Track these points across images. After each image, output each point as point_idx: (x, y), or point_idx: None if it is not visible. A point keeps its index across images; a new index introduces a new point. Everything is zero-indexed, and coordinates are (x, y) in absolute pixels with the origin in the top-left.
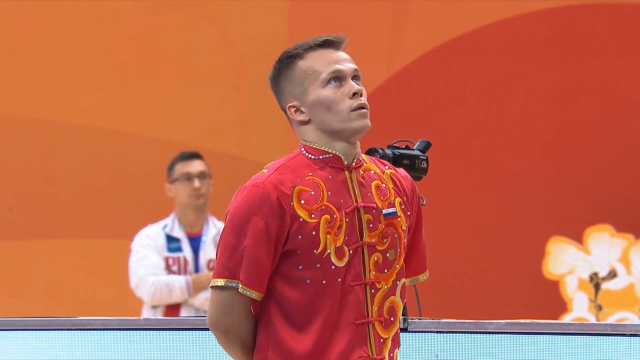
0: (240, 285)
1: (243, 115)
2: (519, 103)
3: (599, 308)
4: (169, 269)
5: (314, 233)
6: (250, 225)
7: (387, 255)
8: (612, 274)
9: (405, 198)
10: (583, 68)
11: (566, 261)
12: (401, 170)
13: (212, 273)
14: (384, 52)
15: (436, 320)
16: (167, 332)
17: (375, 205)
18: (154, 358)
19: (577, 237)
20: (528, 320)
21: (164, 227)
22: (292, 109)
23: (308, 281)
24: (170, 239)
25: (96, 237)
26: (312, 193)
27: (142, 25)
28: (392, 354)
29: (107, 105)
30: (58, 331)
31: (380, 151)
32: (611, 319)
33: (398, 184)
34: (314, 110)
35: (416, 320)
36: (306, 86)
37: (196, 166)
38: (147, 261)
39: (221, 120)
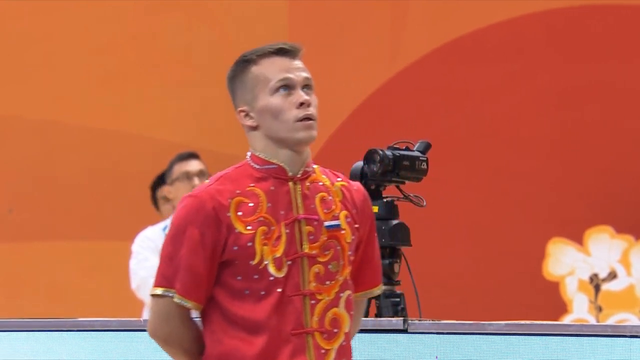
0: (176, 295)
1: None
2: (520, 104)
3: (599, 309)
4: None
5: (249, 244)
6: (186, 235)
7: (329, 267)
8: (612, 275)
9: (354, 211)
10: (585, 69)
11: (566, 262)
12: (355, 184)
13: None
14: (385, 52)
15: (436, 322)
16: None
17: (317, 217)
18: (154, 359)
19: (577, 238)
20: (528, 322)
21: (164, 229)
22: (242, 114)
23: (247, 292)
24: None
25: (96, 239)
26: (251, 205)
27: (142, 25)
28: None
29: (107, 106)
30: (58, 332)
31: (380, 152)
32: (611, 320)
33: (348, 196)
34: (262, 117)
35: (416, 322)
36: (256, 92)
37: (194, 165)
38: (148, 263)
39: (221, 121)
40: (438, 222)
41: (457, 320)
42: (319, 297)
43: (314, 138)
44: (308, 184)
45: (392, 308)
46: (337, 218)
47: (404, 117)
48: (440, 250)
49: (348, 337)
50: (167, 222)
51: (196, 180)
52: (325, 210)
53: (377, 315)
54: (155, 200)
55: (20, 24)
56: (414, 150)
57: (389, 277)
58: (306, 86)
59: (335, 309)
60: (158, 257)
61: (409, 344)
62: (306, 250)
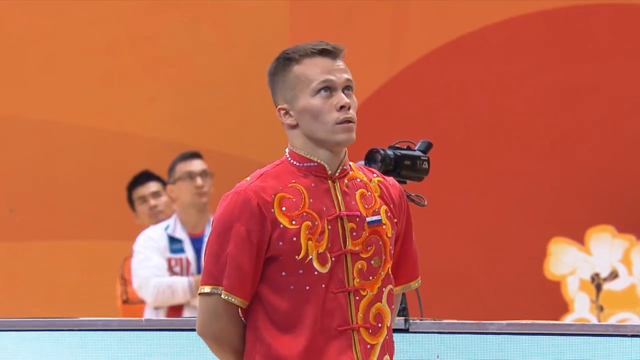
0: (223, 292)
1: (244, 116)
2: (520, 104)
3: (601, 309)
4: (171, 270)
5: (294, 239)
6: (232, 232)
7: (372, 262)
8: (614, 275)
9: (392, 206)
10: (585, 69)
11: (567, 262)
12: (390, 179)
13: None
14: (385, 52)
15: (438, 321)
16: (169, 332)
17: (359, 213)
18: (156, 359)
19: (579, 237)
20: (529, 321)
21: (166, 228)
22: (282, 111)
23: (292, 287)
24: (173, 240)
25: (97, 239)
26: (294, 200)
27: (143, 26)
28: None
29: (108, 106)
30: (59, 332)
31: (382, 152)
32: (612, 320)
33: (385, 191)
34: (302, 116)
35: (417, 321)
36: (297, 92)
37: (197, 165)
38: (149, 262)
39: (222, 121)
40: (439, 222)
41: (458, 319)
42: (362, 293)
43: (353, 140)
44: (347, 181)
45: None
46: (377, 213)
47: (405, 117)
48: (442, 249)
49: (390, 331)
50: (169, 222)
51: (199, 180)
52: (366, 206)
53: None
54: (131, 201)
55: (20, 24)
56: (415, 150)
57: None
58: (347, 87)
59: (378, 304)
60: (160, 256)
61: (410, 344)
62: (349, 247)
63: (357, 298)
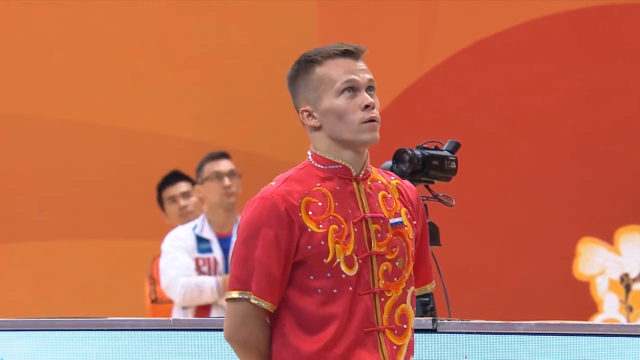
0: (252, 296)
1: (272, 116)
2: (549, 103)
3: (630, 309)
4: (199, 270)
5: (322, 243)
6: (260, 237)
7: (397, 263)
8: None
9: (410, 208)
10: (612, 69)
11: (597, 262)
12: (406, 182)
13: None
14: (414, 52)
15: (465, 321)
16: (197, 332)
17: (382, 215)
18: (184, 359)
19: (608, 238)
20: (558, 322)
21: (194, 228)
22: (305, 113)
23: (319, 290)
24: (201, 239)
25: (126, 238)
26: (320, 204)
27: (172, 26)
28: None
29: (137, 106)
30: (87, 332)
31: (410, 152)
32: None
33: (404, 193)
34: (326, 117)
35: (445, 321)
36: (320, 93)
37: (225, 165)
38: (177, 262)
39: (251, 121)
40: (468, 222)
41: (486, 320)
42: (387, 294)
43: (377, 139)
44: (369, 183)
45: (421, 308)
46: (399, 215)
47: (433, 117)
48: (470, 250)
49: (413, 332)
50: (197, 222)
51: (227, 180)
52: (388, 208)
53: None
54: (161, 201)
55: (49, 25)
56: (443, 150)
57: None
58: (370, 87)
59: (403, 305)
60: (188, 256)
61: (438, 344)
62: (375, 249)
63: (383, 299)
